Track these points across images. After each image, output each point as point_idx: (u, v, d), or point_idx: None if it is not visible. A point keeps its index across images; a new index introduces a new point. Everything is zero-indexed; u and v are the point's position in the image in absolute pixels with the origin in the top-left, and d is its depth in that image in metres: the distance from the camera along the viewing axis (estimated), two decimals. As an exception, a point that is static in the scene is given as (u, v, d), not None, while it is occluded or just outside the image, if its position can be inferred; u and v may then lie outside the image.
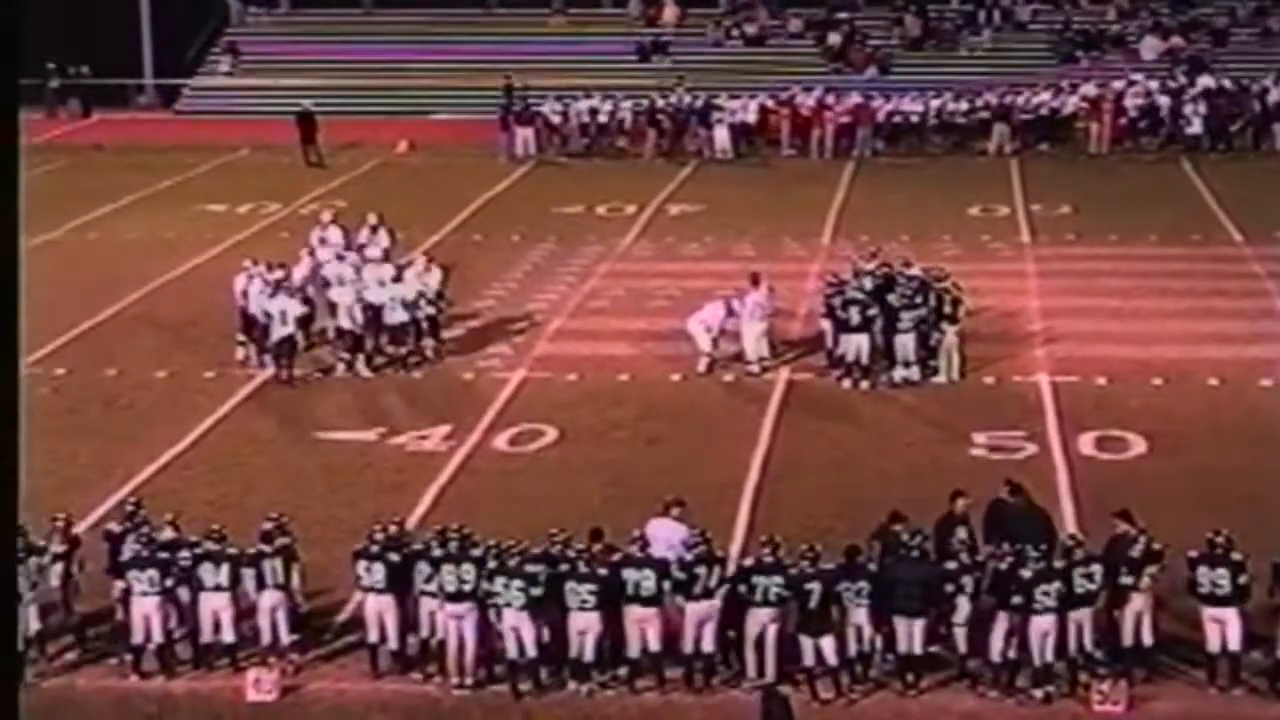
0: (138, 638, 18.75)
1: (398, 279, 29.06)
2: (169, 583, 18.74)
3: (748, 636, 18.36)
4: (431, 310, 29.01)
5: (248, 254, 31.13)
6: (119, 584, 18.99)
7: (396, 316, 28.61)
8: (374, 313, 28.69)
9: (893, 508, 19.60)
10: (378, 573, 18.60)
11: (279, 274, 28.90)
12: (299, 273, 30.11)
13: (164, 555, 18.85)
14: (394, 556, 18.67)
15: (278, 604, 18.86)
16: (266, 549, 18.91)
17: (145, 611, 18.68)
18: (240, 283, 29.26)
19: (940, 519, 19.40)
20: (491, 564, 18.36)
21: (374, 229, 33.18)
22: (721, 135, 46.97)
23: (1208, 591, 18.03)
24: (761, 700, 17.17)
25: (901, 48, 55.52)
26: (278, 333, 28.07)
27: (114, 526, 19.66)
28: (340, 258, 30.84)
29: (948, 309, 27.48)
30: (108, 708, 18.38)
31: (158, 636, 18.71)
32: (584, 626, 18.26)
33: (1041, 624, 17.88)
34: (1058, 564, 18.10)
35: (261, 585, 18.83)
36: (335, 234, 33.17)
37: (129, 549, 19.01)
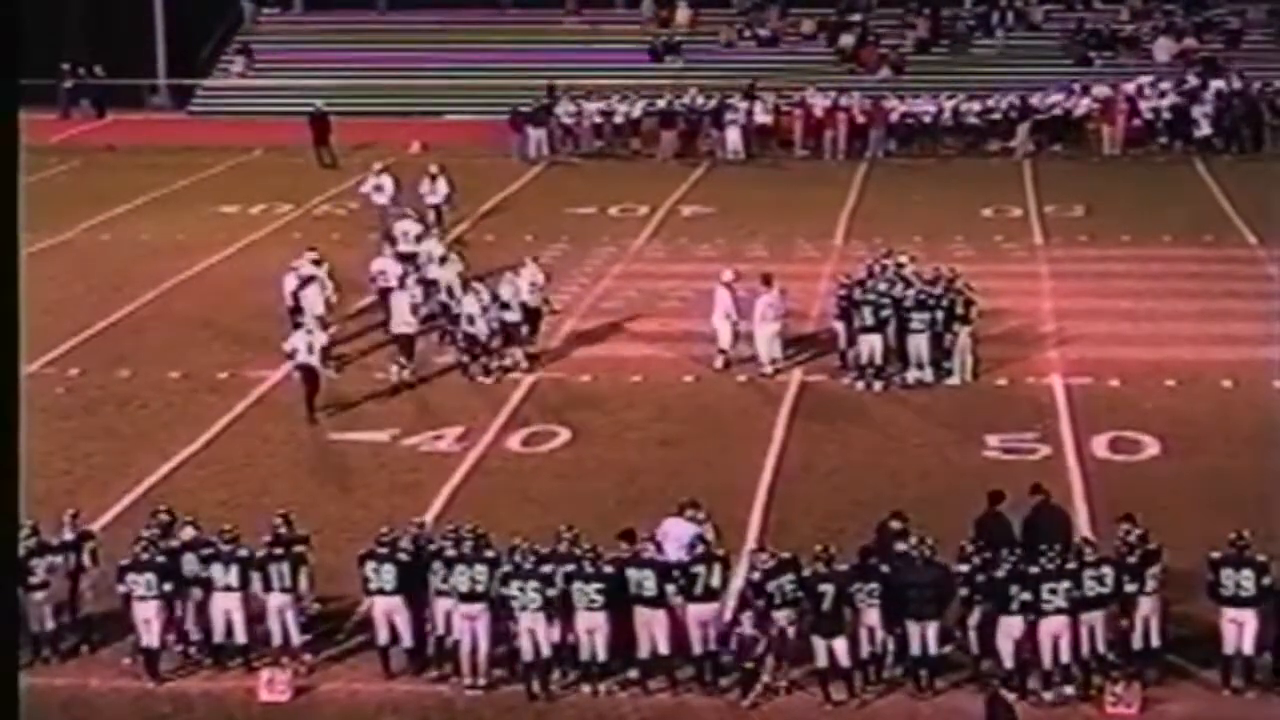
0: (144, 640, 18.76)
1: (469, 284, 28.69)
2: (167, 586, 18.69)
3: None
4: (516, 317, 28.43)
5: (258, 255, 31.24)
6: (120, 588, 18.95)
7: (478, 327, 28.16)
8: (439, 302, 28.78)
9: (906, 509, 19.58)
10: (387, 574, 18.58)
11: (334, 299, 28.79)
12: (377, 266, 30.08)
13: (162, 559, 18.79)
14: (403, 556, 18.68)
15: (285, 606, 18.87)
16: (276, 551, 18.92)
17: (145, 615, 18.70)
18: (290, 284, 29.20)
19: (979, 519, 19.43)
20: (508, 567, 18.38)
21: (433, 177, 36.35)
22: (733, 136, 46.90)
23: (1231, 594, 17.99)
24: (986, 704, 17.09)
25: (914, 49, 55.44)
26: (302, 357, 26.56)
27: (142, 532, 19.49)
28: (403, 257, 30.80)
29: (960, 310, 27.48)
30: (121, 707, 18.41)
31: (162, 638, 18.69)
32: (591, 626, 18.27)
33: (1051, 626, 17.86)
34: (1068, 564, 18.07)
35: (268, 588, 18.85)
36: (388, 182, 35.94)
37: (129, 553, 18.91)
